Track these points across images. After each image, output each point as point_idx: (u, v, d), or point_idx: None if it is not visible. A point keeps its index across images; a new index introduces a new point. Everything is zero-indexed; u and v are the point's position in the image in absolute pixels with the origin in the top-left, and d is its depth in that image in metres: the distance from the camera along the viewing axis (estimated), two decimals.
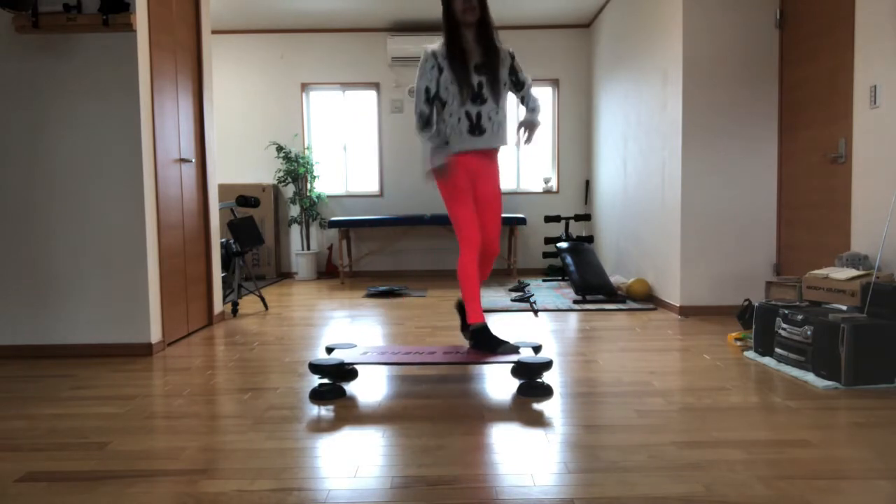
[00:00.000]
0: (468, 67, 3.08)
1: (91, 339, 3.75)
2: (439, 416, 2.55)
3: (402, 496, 1.86)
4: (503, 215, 7.22)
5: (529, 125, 3.22)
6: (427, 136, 3.18)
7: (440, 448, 2.22)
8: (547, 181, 7.84)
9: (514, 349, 3.06)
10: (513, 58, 3.22)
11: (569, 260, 5.77)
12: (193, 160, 4.46)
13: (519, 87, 3.26)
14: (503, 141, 3.20)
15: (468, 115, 3.09)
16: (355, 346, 3.28)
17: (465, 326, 3.37)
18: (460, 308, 3.40)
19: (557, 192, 7.83)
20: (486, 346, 3.08)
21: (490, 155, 3.23)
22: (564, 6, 6.95)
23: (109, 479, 2.01)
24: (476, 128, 3.11)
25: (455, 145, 3.12)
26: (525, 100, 3.28)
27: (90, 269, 3.73)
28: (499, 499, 1.83)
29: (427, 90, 3.13)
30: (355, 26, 7.60)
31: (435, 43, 3.17)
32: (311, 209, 7.57)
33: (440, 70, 3.10)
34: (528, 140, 3.24)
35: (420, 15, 7.16)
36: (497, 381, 3.05)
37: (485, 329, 3.11)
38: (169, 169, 4.07)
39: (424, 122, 3.17)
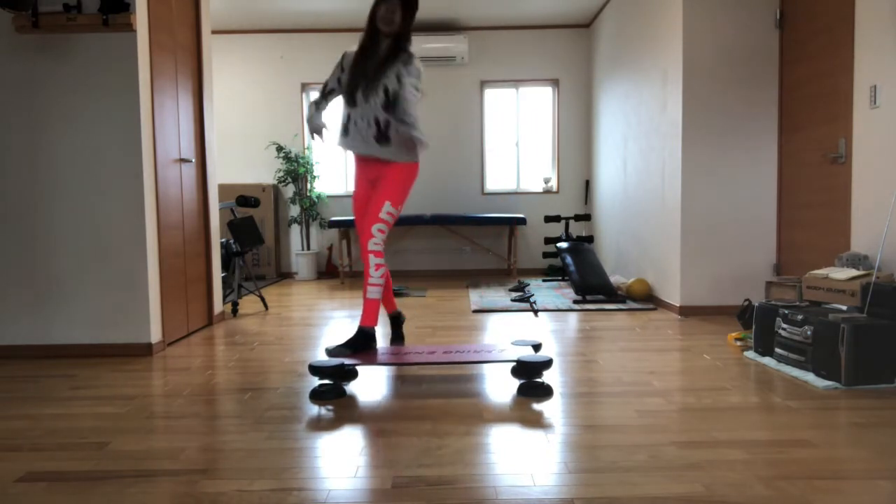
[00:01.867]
0: (360, 70, 3.15)
1: (91, 339, 3.75)
2: (439, 416, 2.55)
3: (402, 496, 1.86)
4: (502, 214, 7.22)
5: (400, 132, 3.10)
6: (313, 112, 3.30)
7: (440, 448, 2.22)
8: (547, 181, 7.84)
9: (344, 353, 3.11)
10: (405, 64, 3.10)
11: (569, 260, 5.77)
12: (193, 160, 4.46)
13: (394, 97, 3.08)
14: (368, 150, 3.14)
15: (343, 115, 3.23)
16: None
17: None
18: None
19: (557, 192, 7.83)
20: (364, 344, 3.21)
21: (370, 159, 3.21)
22: (564, 6, 6.96)
23: (109, 479, 2.01)
24: (345, 129, 3.22)
25: (338, 140, 3.27)
26: (395, 106, 3.08)
27: (90, 269, 3.73)
28: (499, 499, 1.83)
29: (325, 85, 3.30)
30: (355, 26, 7.60)
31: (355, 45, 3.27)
32: (311, 209, 7.57)
33: (342, 70, 3.25)
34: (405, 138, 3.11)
35: (419, 15, 7.15)
36: (497, 381, 3.05)
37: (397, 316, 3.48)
38: (169, 169, 4.07)
39: (314, 106, 3.30)
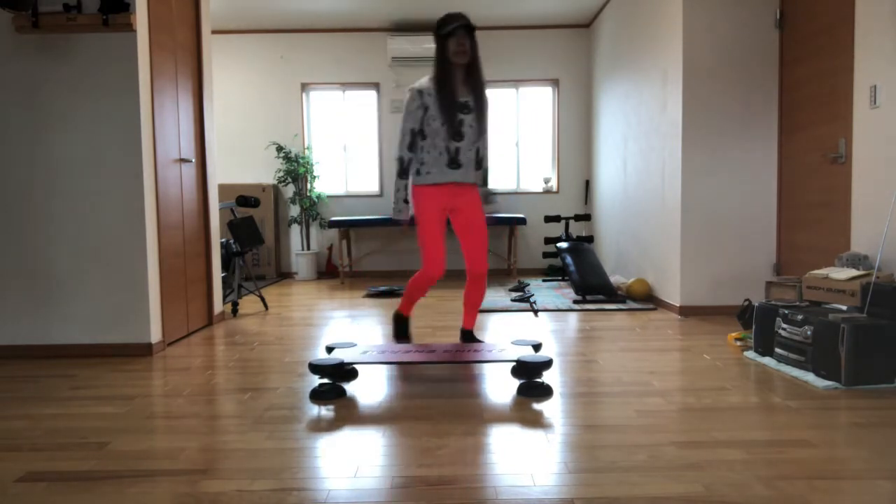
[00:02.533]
0: (454, 106, 3.26)
1: (91, 339, 3.75)
2: (439, 416, 2.55)
3: (402, 496, 1.86)
4: (503, 215, 7.22)
5: (484, 198, 3.59)
6: (400, 187, 3.36)
7: (440, 448, 2.22)
8: (547, 181, 7.84)
9: (407, 340, 3.61)
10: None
11: (569, 260, 5.77)
12: (193, 160, 4.46)
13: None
14: (474, 178, 3.42)
15: (448, 149, 3.29)
16: (355, 345, 3.28)
17: (398, 333, 3.68)
18: (396, 318, 3.66)
19: (557, 192, 7.83)
20: (396, 330, 3.65)
21: (465, 188, 3.40)
22: (564, 6, 6.96)
23: (109, 479, 2.01)
24: (454, 162, 3.31)
25: (433, 177, 3.30)
26: (480, 148, 3.49)
27: (90, 269, 3.73)
28: (499, 499, 1.83)
29: (412, 132, 3.30)
30: (355, 26, 7.60)
31: (422, 79, 3.32)
32: (311, 209, 7.57)
33: (425, 109, 3.27)
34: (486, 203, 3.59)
35: (420, 15, 7.16)
36: (497, 381, 3.05)
37: (403, 317, 3.63)
38: (169, 169, 4.07)
39: (403, 170, 3.33)
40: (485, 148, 3.53)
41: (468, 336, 3.59)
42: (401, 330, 3.65)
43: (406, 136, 3.29)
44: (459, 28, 3.20)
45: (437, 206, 3.33)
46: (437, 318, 4.82)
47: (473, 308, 3.52)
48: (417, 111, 3.26)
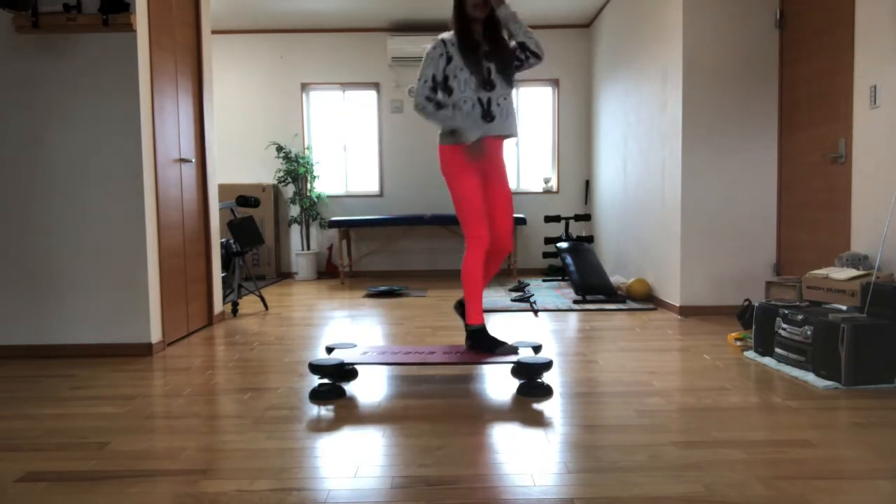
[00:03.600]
0: (479, 54, 3.11)
1: (91, 339, 3.75)
2: (439, 416, 2.55)
3: (402, 496, 1.86)
4: None
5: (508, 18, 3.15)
6: (445, 112, 3.11)
7: (440, 448, 2.22)
8: (547, 181, 7.84)
9: (513, 350, 3.06)
10: (520, 46, 3.16)
11: (569, 260, 5.77)
12: (193, 160, 4.46)
13: (523, 49, 3.16)
14: (512, 129, 3.17)
15: (480, 101, 3.09)
16: (355, 345, 3.28)
17: (491, 346, 3.23)
18: (460, 308, 3.33)
19: (557, 192, 7.83)
20: (484, 347, 3.09)
21: (498, 146, 3.21)
22: (564, 6, 6.95)
23: (109, 479, 2.01)
24: (487, 114, 3.11)
25: (468, 133, 3.07)
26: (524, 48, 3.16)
27: (90, 269, 3.73)
28: (499, 499, 1.83)
29: (434, 77, 3.12)
30: (355, 26, 7.60)
31: (444, 33, 3.20)
32: (311, 209, 7.57)
33: (448, 59, 3.11)
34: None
35: (420, 15, 7.16)
36: (497, 381, 3.05)
37: (483, 330, 3.11)
38: (169, 169, 4.07)
39: (437, 105, 3.12)
40: (535, 48, 3.18)
41: (478, 336, 3.15)
42: (490, 343, 3.09)
43: (428, 81, 3.11)
44: None
45: (473, 167, 3.12)
46: (437, 318, 4.82)
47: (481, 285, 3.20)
48: (440, 58, 3.11)
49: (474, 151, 3.08)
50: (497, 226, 3.21)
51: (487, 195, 3.21)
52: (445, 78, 3.12)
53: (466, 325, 3.14)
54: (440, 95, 3.15)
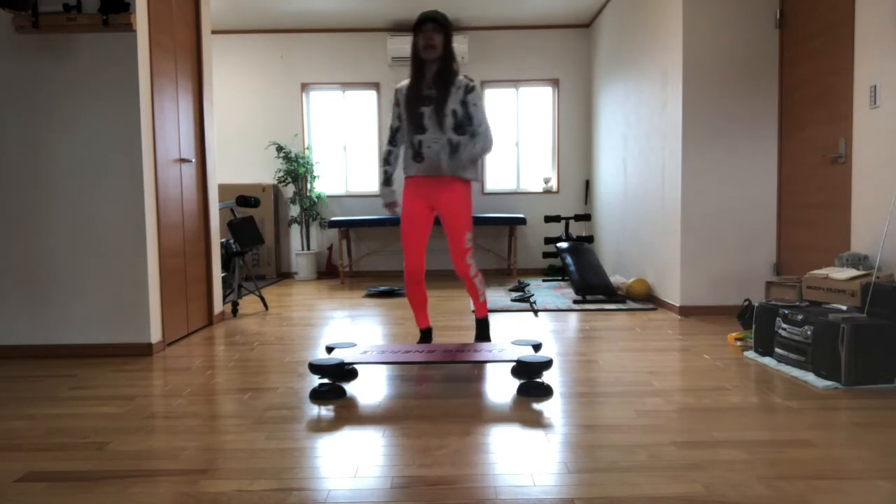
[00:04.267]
0: (417, 100, 3.33)
1: (91, 339, 3.75)
2: (439, 416, 2.55)
3: (402, 496, 1.86)
4: (502, 214, 7.22)
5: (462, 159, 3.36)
6: (381, 173, 3.54)
7: (440, 448, 2.22)
8: (547, 181, 7.84)
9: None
10: (469, 91, 3.33)
11: (569, 260, 5.77)
12: (193, 160, 4.46)
13: (469, 120, 3.36)
14: (441, 170, 3.34)
15: (412, 143, 3.37)
16: (355, 345, 3.28)
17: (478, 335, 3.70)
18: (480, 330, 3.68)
19: (557, 192, 7.83)
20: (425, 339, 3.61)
21: (439, 182, 3.39)
22: (564, 6, 6.95)
23: (109, 479, 2.01)
24: (417, 154, 3.37)
25: (406, 170, 3.44)
26: (473, 136, 3.37)
27: (90, 269, 3.73)
28: (499, 499, 1.83)
29: (391, 129, 3.48)
30: (355, 26, 7.60)
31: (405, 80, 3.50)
32: (311, 209, 7.57)
33: (398, 105, 3.43)
34: (464, 172, 3.38)
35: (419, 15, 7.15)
36: (497, 381, 3.05)
37: (423, 331, 3.62)
38: (169, 169, 4.07)
39: (383, 161, 3.53)
40: (480, 138, 3.33)
41: (479, 325, 3.64)
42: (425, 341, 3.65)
43: (389, 133, 3.49)
44: (427, 22, 3.28)
45: (416, 200, 3.41)
46: (437, 318, 4.82)
47: (474, 300, 3.61)
48: (394, 108, 3.45)
49: (411, 186, 3.41)
50: (451, 254, 3.49)
51: (444, 226, 3.47)
52: (400, 124, 3.46)
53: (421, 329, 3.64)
54: (393, 153, 3.51)
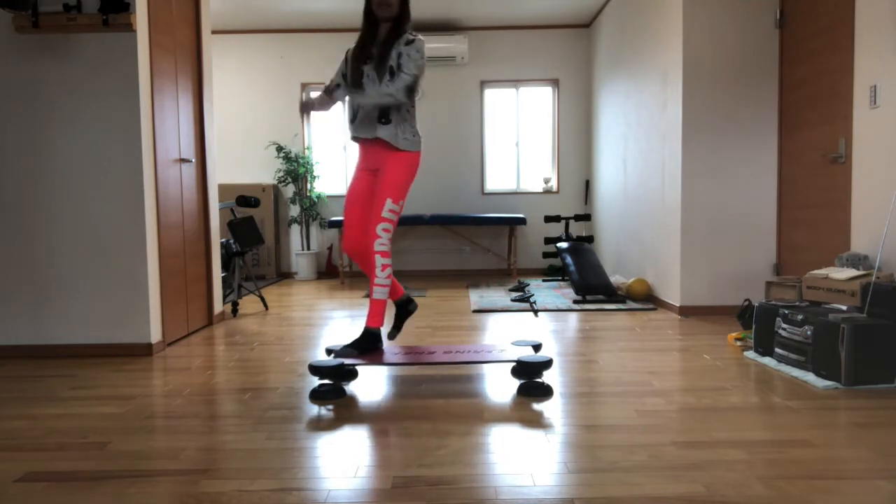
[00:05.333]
0: (358, 57, 3.14)
1: (91, 339, 3.75)
2: (439, 416, 2.55)
3: (402, 496, 1.86)
4: (502, 215, 7.22)
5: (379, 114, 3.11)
6: (323, 97, 3.30)
7: (440, 448, 2.22)
8: (547, 181, 7.84)
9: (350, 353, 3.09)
10: (408, 43, 3.07)
11: (569, 260, 5.77)
12: (193, 160, 4.46)
13: (392, 73, 3.06)
14: (373, 132, 3.09)
15: (350, 104, 3.21)
16: None
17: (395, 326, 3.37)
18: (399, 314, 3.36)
19: (557, 192, 7.83)
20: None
21: (380, 150, 3.14)
22: (564, 6, 6.95)
23: (109, 479, 2.01)
24: (354, 115, 3.19)
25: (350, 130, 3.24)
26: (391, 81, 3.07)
27: (90, 269, 3.73)
28: (499, 499, 1.83)
29: (330, 81, 3.30)
30: (355, 26, 7.60)
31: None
32: (311, 209, 7.57)
33: (346, 62, 3.24)
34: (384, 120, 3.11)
35: (419, 15, 7.15)
36: (497, 381, 3.05)
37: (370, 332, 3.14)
38: (169, 169, 4.07)
39: (325, 92, 3.29)
40: (396, 85, 3.05)
41: (364, 335, 3.12)
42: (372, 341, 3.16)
43: (331, 80, 3.30)
44: None
45: (359, 166, 3.24)
46: (437, 318, 4.82)
47: (370, 293, 3.11)
48: (341, 65, 3.29)
49: (359, 151, 3.22)
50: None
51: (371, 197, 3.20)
52: (344, 77, 3.24)
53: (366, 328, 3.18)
54: (333, 94, 3.28)
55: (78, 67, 3.67)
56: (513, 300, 5.51)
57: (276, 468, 2.07)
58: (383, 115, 3.09)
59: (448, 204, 7.79)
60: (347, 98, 3.23)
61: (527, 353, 3.01)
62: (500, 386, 2.98)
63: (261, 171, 7.84)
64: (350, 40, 7.69)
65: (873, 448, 2.17)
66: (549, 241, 6.74)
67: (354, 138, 3.21)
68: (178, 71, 4.25)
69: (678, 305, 4.75)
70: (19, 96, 3.68)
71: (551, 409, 2.64)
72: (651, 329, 4.27)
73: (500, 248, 7.86)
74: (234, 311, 5.09)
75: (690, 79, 4.59)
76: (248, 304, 5.71)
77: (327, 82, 3.31)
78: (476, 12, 7.09)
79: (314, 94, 3.30)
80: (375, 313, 3.09)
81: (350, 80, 3.15)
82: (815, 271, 3.43)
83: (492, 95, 7.85)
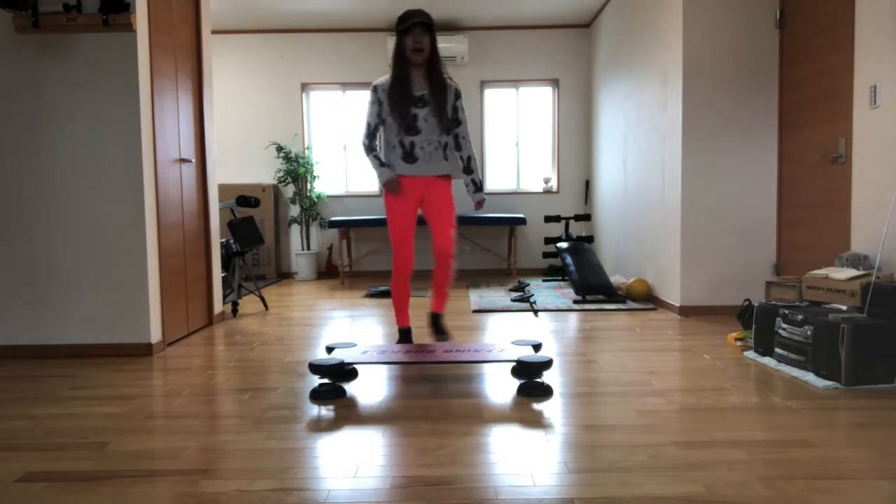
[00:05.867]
0: (407, 101, 3.31)
1: (91, 339, 3.75)
2: (439, 416, 2.55)
3: (402, 496, 1.86)
4: (503, 215, 7.22)
5: (478, 202, 3.55)
6: (373, 159, 3.46)
7: (440, 448, 2.22)
8: (547, 181, 7.84)
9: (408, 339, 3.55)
10: (458, 97, 3.43)
11: (569, 260, 5.77)
12: (193, 160, 4.46)
13: (455, 124, 3.46)
14: (438, 170, 3.41)
15: (402, 143, 3.37)
16: (355, 345, 3.28)
17: (437, 331, 3.61)
18: (436, 325, 3.59)
19: (557, 192, 7.83)
20: (405, 339, 3.59)
21: (428, 179, 3.43)
22: (564, 6, 6.95)
23: (109, 479, 2.01)
24: (409, 156, 3.38)
25: (396, 169, 3.42)
26: (458, 141, 3.48)
27: (90, 269, 3.73)
28: (499, 499, 1.83)
29: (368, 125, 3.43)
30: (355, 26, 7.60)
31: (384, 76, 3.42)
32: (311, 209, 7.57)
33: (380, 104, 3.37)
34: (480, 206, 3.57)
35: None
36: (497, 381, 3.05)
37: (403, 330, 3.59)
38: (169, 169, 4.07)
39: (369, 150, 3.46)
40: (467, 148, 3.51)
41: (435, 320, 3.55)
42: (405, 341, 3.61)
43: (366, 128, 3.45)
44: (416, 25, 3.23)
45: (404, 198, 3.40)
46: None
47: (439, 289, 3.50)
48: (373, 105, 3.39)
49: (393, 187, 3.38)
50: (437, 235, 3.45)
51: (429, 210, 3.46)
52: (383, 121, 3.41)
53: (399, 328, 3.61)
54: (376, 142, 3.47)
55: (78, 67, 3.67)
56: (513, 300, 5.51)
57: (276, 468, 2.07)
58: (446, 156, 3.44)
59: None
60: (386, 137, 3.42)
61: (527, 353, 3.01)
62: (500, 386, 2.98)
63: (261, 171, 7.84)
64: (350, 40, 7.69)
65: (873, 448, 2.17)
66: (549, 241, 6.74)
67: (405, 176, 3.39)
68: (178, 71, 4.25)
69: (678, 305, 4.75)
70: (19, 96, 3.68)
71: (551, 409, 2.64)
72: (651, 329, 4.27)
73: (500, 248, 7.86)
74: (234, 311, 5.09)
75: (690, 79, 4.59)
76: (248, 304, 5.71)
77: (365, 130, 3.46)
78: (476, 12, 7.09)
79: (364, 143, 3.52)
80: (443, 303, 3.57)
81: (403, 125, 3.34)
82: (815, 271, 3.43)
83: (492, 95, 7.85)
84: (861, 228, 3.57)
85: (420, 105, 3.33)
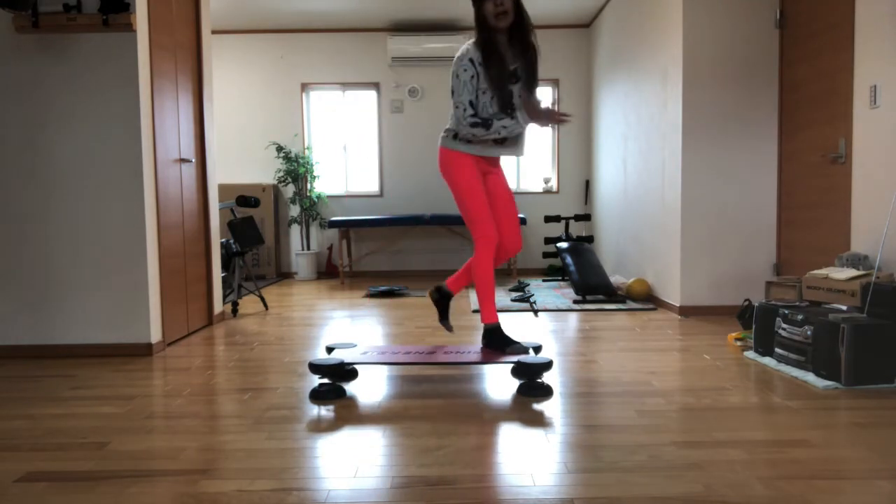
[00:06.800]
0: (504, 77, 2.94)
1: (91, 339, 3.75)
2: (439, 416, 2.55)
3: (402, 496, 1.86)
4: None
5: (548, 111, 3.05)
6: (496, 124, 2.97)
7: (440, 448, 2.22)
8: (547, 181, 7.84)
9: (524, 350, 3.03)
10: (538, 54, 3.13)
11: (569, 260, 5.77)
12: (193, 160, 4.46)
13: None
14: (517, 153, 3.16)
15: (506, 126, 2.99)
16: (355, 345, 3.28)
17: (444, 317, 3.34)
18: (438, 295, 3.30)
19: (557, 192, 7.83)
20: (498, 345, 3.07)
21: (499, 160, 3.24)
22: (564, 6, 6.95)
23: (109, 479, 2.01)
24: (503, 138, 3.05)
25: (475, 149, 3.03)
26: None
27: (90, 270, 3.73)
28: (499, 499, 1.83)
29: (472, 104, 2.96)
30: (355, 26, 7.60)
31: (466, 45, 3.00)
32: (311, 209, 7.57)
33: (478, 78, 2.94)
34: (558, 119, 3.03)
35: (420, 15, 7.15)
36: (497, 381, 3.05)
37: (498, 329, 3.09)
38: (169, 169, 4.07)
39: (483, 123, 2.96)
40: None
41: (494, 335, 3.09)
42: (504, 342, 3.08)
43: (467, 109, 2.94)
44: None
45: (476, 172, 3.05)
46: (437, 318, 4.82)
47: (466, 275, 3.22)
48: (472, 81, 2.93)
49: (471, 161, 3.04)
50: (507, 228, 3.15)
51: (496, 199, 3.14)
52: (477, 97, 2.97)
53: (484, 325, 3.11)
54: (484, 115, 3.00)
55: (78, 67, 3.67)
56: (513, 300, 5.51)
57: (276, 468, 2.07)
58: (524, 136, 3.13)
59: (449, 204, 7.79)
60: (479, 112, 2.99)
61: (527, 355, 3.01)
62: (500, 386, 2.98)
63: (261, 171, 7.84)
64: (350, 40, 7.69)
65: (873, 448, 2.17)
66: (549, 241, 6.74)
67: (486, 156, 3.08)
68: (178, 71, 4.25)
69: (678, 305, 4.75)
70: (19, 96, 3.68)
71: (551, 409, 2.64)
72: (651, 329, 4.27)
73: None
74: (234, 311, 5.09)
75: (690, 78, 4.59)
76: (248, 304, 5.71)
77: (470, 110, 2.96)
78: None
79: (471, 121, 2.97)
80: (460, 288, 3.29)
81: (500, 104, 2.94)
82: (815, 271, 3.43)
83: None
84: (861, 228, 3.57)
85: (514, 80, 2.99)
